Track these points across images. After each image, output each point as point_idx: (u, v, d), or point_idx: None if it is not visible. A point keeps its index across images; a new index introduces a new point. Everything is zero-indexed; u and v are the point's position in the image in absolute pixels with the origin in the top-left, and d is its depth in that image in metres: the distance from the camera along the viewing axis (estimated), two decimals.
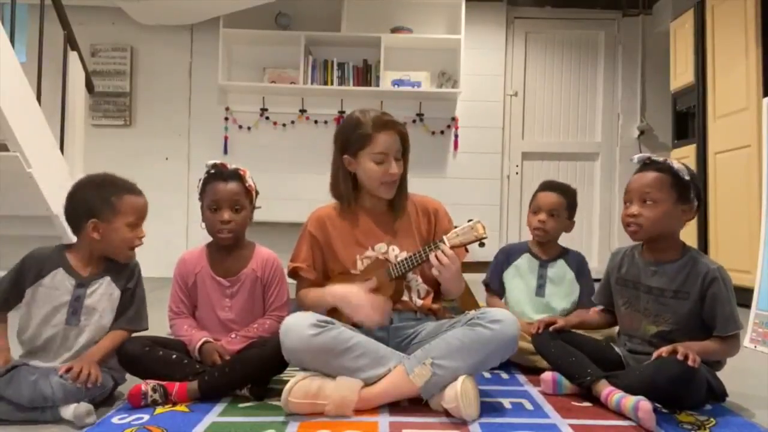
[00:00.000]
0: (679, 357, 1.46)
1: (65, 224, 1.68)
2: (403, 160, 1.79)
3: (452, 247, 1.63)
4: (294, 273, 1.83)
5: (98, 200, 1.60)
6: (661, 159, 1.67)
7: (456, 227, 1.68)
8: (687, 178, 1.63)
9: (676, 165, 1.64)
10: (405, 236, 1.81)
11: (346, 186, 1.82)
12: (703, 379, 1.52)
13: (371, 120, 1.74)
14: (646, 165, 1.69)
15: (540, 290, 2.14)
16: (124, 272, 1.68)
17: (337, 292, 1.69)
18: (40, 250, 1.65)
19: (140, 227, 1.66)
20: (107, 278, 1.65)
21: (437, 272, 1.63)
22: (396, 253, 1.78)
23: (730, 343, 1.62)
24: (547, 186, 2.21)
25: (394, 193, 1.80)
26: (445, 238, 1.65)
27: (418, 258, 1.68)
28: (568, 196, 2.17)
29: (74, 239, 1.67)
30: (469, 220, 1.67)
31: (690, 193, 1.65)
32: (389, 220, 1.82)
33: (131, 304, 1.68)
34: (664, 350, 1.51)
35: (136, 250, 1.68)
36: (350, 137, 1.76)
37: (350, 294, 1.66)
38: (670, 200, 1.64)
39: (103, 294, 1.63)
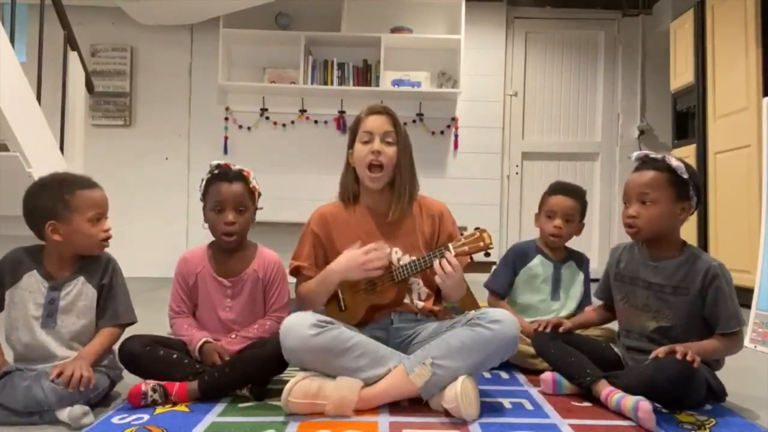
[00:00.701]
0: (678, 357, 1.46)
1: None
2: (398, 151, 1.77)
3: (457, 256, 1.63)
4: (296, 271, 1.83)
5: (52, 201, 1.55)
6: (659, 156, 1.66)
7: (462, 233, 1.68)
8: (685, 175, 1.62)
9: (674, 162, 1.63)
10: (408, 238, 1.80)
11: (349, 182, 1.84)
12: (702, 379, 1.52)
13: (366, 108, 1.82)
14: (644, 163, 1.68)
15: (555, 294, 2.12)
16: (97, 270, 1.63)
17: (338, 264, 1.70)
18: (17, 251, 1.62)
19: (103, 221, 1.61)
20: (81, 278, 1.61)
21: (440, 280, 1.63)
22: (399, 256, 1.78)
23: (733, 340, 1.61)
24: (561, 189, 2.15)
25: (380, 184, 1.77)
26: (450, 245, 1.65)
27: (422, 264, 1.67)
28: (581, 199, 2.14)
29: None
30: (476, 228, 1.66)
31: (689, 190, 1.64)
32: (392, 220, 1.81)
33: (111, 299, 1.64)
34: (661, 351, 1.51)
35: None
36: (351, 130, 1.84)
37: (351, 258, 1.67)
38: (668, 199, 1.63)
39: (78, 295, 1.60)
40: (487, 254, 1.69)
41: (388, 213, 1.80)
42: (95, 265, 1.64)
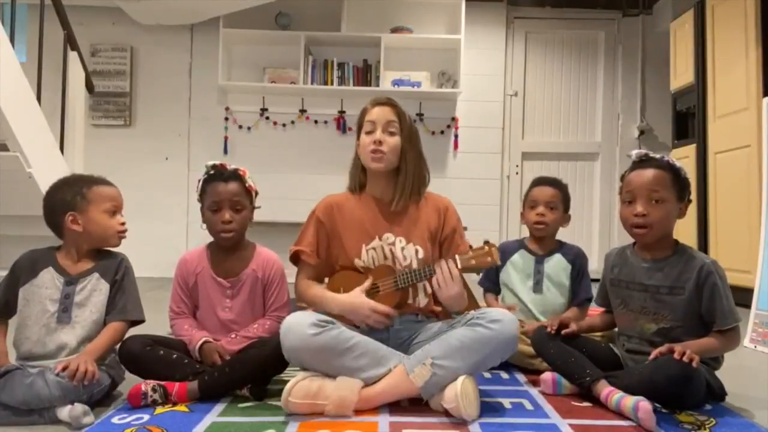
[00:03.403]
0: (676, 356, 1.46)
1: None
2: (403, 142, 1.77)
3: (463, 269, 1.62)
4: (295, 257, 1.81)
5: (70, 195, 1.65)
6: (658, 156, 1.66)
7: (471, 247, 1.67)
8: (685, 176, 1.65)
9: (677, 162, 1.65)
10: (413, 228, 1.79)
11: (356, 172, 1.85)
12: (702, 379, 1.52)
13: (371, 99, 1.84)
14: (644, 161, 1.67)
15: (537, 287, 2.13)
16: (111, 266, 1.69)
17: (343, 301, 1.69)
18: (31, 251, 1.68)
19: (119, 215, 1.70)
20: (95, 274, 1.66)
21: (437, 287, 1.63)
22: (403, 245, 1.76)
23: (730, 336, 1.61)
24: (541, 181, 2.22)
25: (382, 167, 1.77)
26: (457, 257, 1.64)
27: (427, 273, 1.66)
28: (562, 189, 2.20)
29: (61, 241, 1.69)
30: (486, 242, 1.65)
31: (687, 191, 1.66)
32: (397, 210, 1.80)
33: (121, 295, 1.67)
34: (660, 350, 1.51)
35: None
36: (357, 122, 1.85)
37: (357, 304, 1.66)
38: (673, 199, 1.64)
39: (92, 290, 1.64)
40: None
41: (392, 202, 1.81)
42: (110, 262, 1.70)
